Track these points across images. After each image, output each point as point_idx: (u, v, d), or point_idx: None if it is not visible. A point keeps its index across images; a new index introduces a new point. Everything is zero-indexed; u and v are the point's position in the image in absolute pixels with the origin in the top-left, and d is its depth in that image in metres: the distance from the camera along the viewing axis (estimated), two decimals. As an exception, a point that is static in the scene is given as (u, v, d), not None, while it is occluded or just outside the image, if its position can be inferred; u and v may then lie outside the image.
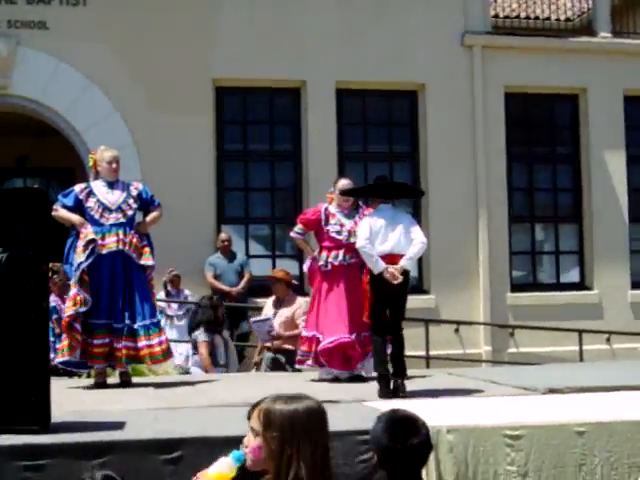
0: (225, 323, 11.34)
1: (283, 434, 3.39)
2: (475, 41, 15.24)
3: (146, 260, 8.78)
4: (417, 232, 8.03)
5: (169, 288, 13.20)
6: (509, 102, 15.43)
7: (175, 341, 12.74)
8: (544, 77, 15.33)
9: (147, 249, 8.84)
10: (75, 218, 8.69)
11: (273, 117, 15.04)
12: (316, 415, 3.49)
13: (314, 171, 14.47)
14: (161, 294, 12.91)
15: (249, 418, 3.53)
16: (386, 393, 7.60)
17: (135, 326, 8.57)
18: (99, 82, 13.94)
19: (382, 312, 7.84)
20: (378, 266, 7.72)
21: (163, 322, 11.48)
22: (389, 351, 7.99)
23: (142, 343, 8.57)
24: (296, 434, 3.39)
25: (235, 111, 14.89)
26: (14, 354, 5.59)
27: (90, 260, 8.50)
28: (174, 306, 13.22)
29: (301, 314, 10.65)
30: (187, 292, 13.27)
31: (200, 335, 10.95)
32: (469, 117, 15.11)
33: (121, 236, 8.64)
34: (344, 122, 15.00)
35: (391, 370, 7.79)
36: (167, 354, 8.83)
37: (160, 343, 8.67)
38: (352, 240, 8.96)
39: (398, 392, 7.60)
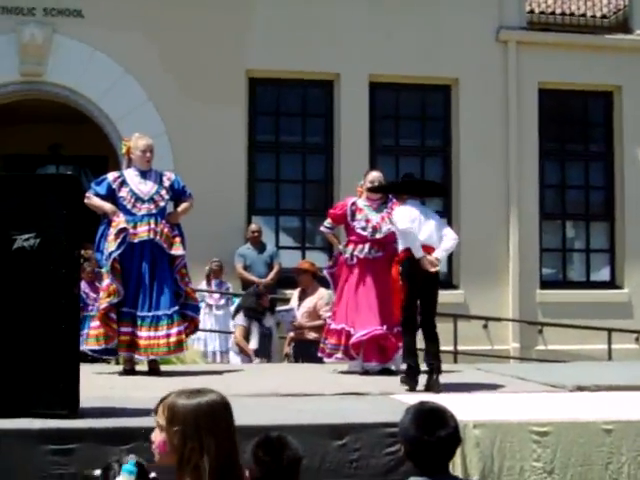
0: (269, 313, 11.39)
1: (185, 428, 3.41)
2: (510, 37, 15.19)
3: (176, 250, 8.78)
4: (448, 229, 8.08)
5: (211, 278, 13.28)
6: (543, 98, 15.37)
7: (207, 330, 12.81)
8: (578, 74, 15.25)
9: (178, 239, 8.85)
10: (107, 207, 8.71)
11: (306, 109, 15.05)
12: (220, 409, 3.49)
13: (346, 164, 14.46)
14: (202, 284, 13.02)
15: (156, 413, 3.54)
16: (412, 385, 7.58)
17: (150, 315, 8.58)
18: (133, 71, 14.01)
19: (414, 304, 7.82)
20: (419, 251, 7.69)
21: (203, 311, 11.76)
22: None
23: (150, 333, 8.57)
24: (199, 428, 3.40)
25: (268, 102, 14.91)
26: (44, 339, 5.63)
27: (121, 249, 8.53)
28: (215, 295, 13.29)
29: (323, 305, 10.73)
30: (230, 284, 13.33)
31: (238, 319, 11.20)
32: (502, 113, 15.06)
33: (152, 225, 8.66)
34: (377, 116, 15.00)
35: (425, 366, 7.76)
36: (175, 348, 8.69)
37: (167, 336, 8.58)
38: (377, 236, 9.00)
39: (433, 388, 7.56)
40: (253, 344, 11.13)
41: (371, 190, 9.11)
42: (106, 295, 8.52)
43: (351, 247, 9.20)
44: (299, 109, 15.03)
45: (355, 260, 9.12)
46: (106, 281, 8.58)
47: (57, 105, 14.53)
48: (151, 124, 13.41)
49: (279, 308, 11.44)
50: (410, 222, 7.81)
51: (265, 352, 11.21)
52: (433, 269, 7.68)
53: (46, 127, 16.47)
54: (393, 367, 9.01)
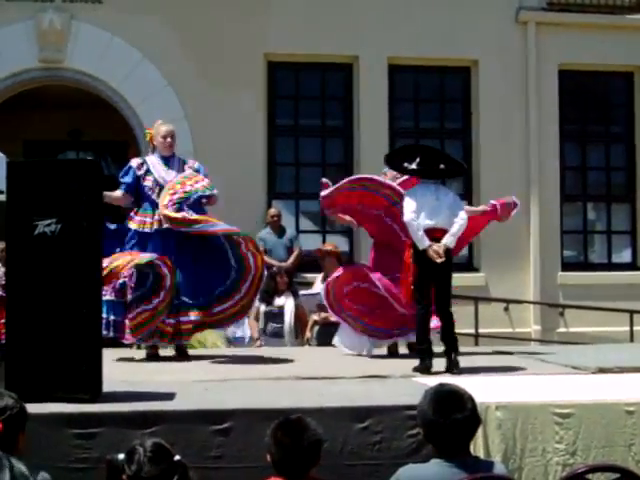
0: (286, 293, 11.38)
1: None
2: (529, 17, 15.08)
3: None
4: (461, 211, 7.99)
5: None
6: (563, 79, 15.28)
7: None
8: (599, 55, 15.13)
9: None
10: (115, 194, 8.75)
11: (325, 92, 15.03)
12: None
13: (365, 147, 14.45)
14: None
15: None
16: (425, 368, 7.57)
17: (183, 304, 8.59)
18: (152, 56, 14.02)
19: (426, 285, 7.82)
20: (423, 242, 7.69)
21: None
22: (432, 325, 7.99)
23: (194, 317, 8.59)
24: None
25: (287, 86, 14.90)
26: (66, 324, 5.67)
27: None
28: None
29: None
30: None
31: (256, 302, 11.35)
32: (522, 94, 14.99)
33: None
34: (396, 98, 14.95)
35: (443, 348, 7.76)
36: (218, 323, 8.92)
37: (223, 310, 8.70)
38: None
39: (452, 369, 7.57)
40: (260, 324, 11.20)
41: (387, 162, 8.86)
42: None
43: None
44: (318, 92, 15.01)
45: None
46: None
47: (77, 91, 14.55)
48: (170, 109, 13.42)
49: (303, 292, 11.39)
50: (413, 212, 7.79)
51: (272, 332, 11.18)
52: (439, 260, 7.67)
53: (66, 113, 16.49)
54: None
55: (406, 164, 8.12)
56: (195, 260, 8.66)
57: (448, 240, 7.79)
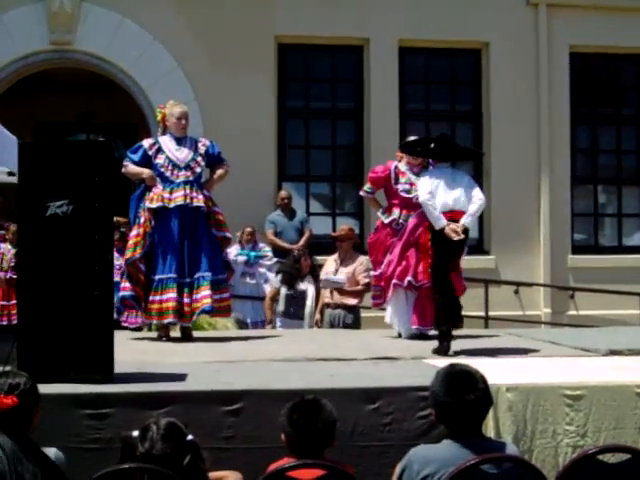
0: (307, 277, 11.39)
1: None
2: (541, -1, 15.05)
3: (225, 230, 8.88)
4: (476, 190, 8.00)
5: (243, 244, 13.05)
6: (574, 62, 15.22)
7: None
8: (610, 37, 15.05)
9: (220, 217, 8.90)
10: (146, 172, 8.70)
11: (335, 75, 14.99)
12: None
13: (376, 129, 14.43)
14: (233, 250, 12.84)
15: None
16: (443, 350, 7.58)
17: (201, 278, 8.60)
18: (162, 38, 14.00)
19: (444, 270, 7.82)
20: (440, 222, 7.68)
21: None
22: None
23: (193, 297, 8.61)
24: None
25: (297, 68, 14.87)
26: (78, 305, 5.68)
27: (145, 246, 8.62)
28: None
29: (362, 271, 10.76)
30: (261, 244, 13.01)
31: (274, 282, 11.44)
32: (533, 76, 14.93)
33: (188, 191, 8.66)
34: (407, 80, 14.91)
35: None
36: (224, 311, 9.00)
37: (221, 300, 8.72)
38: None
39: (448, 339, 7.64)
40: (280, 307, 11.22)
41: (403, 148, 9.00)
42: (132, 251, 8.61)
43: (397, 211, 9.15)
44: (329, 75, 14.98)
45: (401, 226, 9.05)
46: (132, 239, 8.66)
47: (87, 73, 14.55)
48: (180, 91, 13.39)
49: (327, 277, 11.31)
50: (429, 192, 7.80)
51: (293, 315, 11.22)
52: (457, 238, 7.66)
53: (76, 95, 16.50)
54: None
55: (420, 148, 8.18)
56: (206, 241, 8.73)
57: (466, 220, 7.77)
